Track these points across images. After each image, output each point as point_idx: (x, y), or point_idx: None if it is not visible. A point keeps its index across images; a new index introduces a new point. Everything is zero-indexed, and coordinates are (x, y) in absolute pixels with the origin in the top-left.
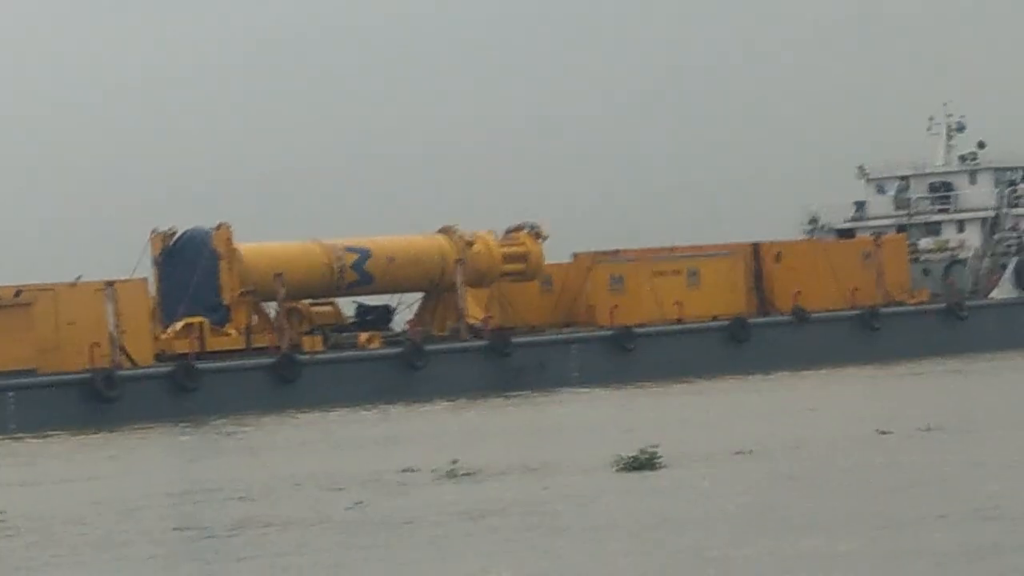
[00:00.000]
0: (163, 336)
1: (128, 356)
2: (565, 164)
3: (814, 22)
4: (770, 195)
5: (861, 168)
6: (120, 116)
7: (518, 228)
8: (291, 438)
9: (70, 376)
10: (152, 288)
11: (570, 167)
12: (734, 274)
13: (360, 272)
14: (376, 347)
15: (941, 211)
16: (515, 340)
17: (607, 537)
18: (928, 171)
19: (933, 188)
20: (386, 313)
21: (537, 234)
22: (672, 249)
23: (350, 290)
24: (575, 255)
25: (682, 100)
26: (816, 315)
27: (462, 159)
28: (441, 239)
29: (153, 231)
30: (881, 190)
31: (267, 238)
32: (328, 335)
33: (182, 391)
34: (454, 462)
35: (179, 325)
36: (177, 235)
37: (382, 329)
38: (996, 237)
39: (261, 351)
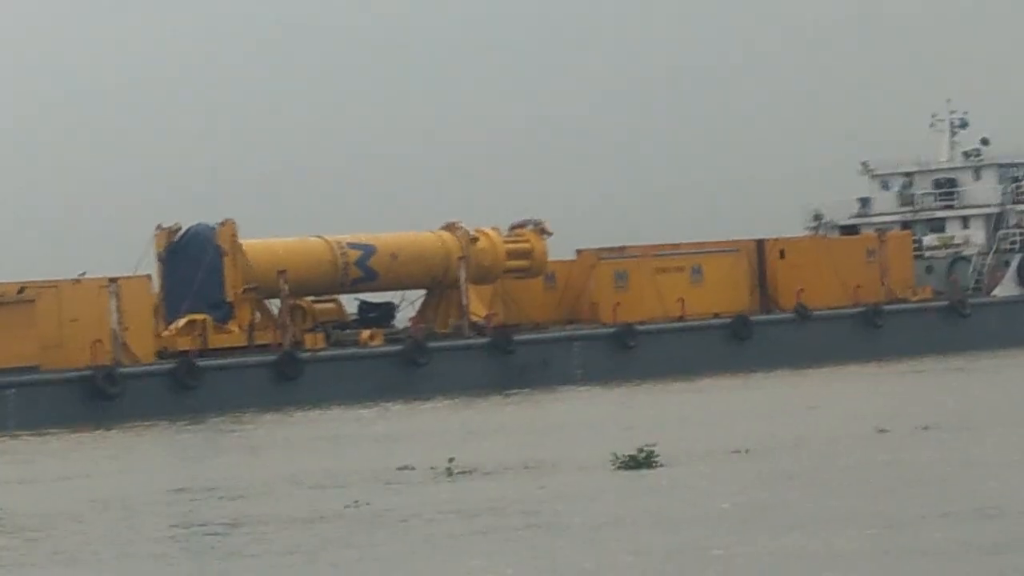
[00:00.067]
0: (165, 333)
1: (130, 353)
2: (565, 164)
3: (814, 22)
4: (770, 194)
5: (865, 164)
6: (120, 116)
7: (522, 224)
8: (291, 436)
9: (71, 373)
10: (155, 285)
11: (570, 167)
12: (737, 271)
13: (364, 269)
14: (378, 344)
15: (945, 207)
16: (517, 337)
17: (604, 536)
18: (932, 167)
19: (937, 184)
20: (389, 310)
21: (541, 230)
22: (676, 246)
23: (354, 287)
24: (579, 252)
25: (682, 100)
26: (818, 313)
27: (462, 159)
28: (445, 235)
29: (157, 227)
30: (885, 186)
31: (267, 237)
32: (330, 332)
33: (183, 388)
34: (451, 460)
35: (181, 322)
36: (181, 231)
37: (385, 326)
38: (1000, 234)
39: (263, 348)
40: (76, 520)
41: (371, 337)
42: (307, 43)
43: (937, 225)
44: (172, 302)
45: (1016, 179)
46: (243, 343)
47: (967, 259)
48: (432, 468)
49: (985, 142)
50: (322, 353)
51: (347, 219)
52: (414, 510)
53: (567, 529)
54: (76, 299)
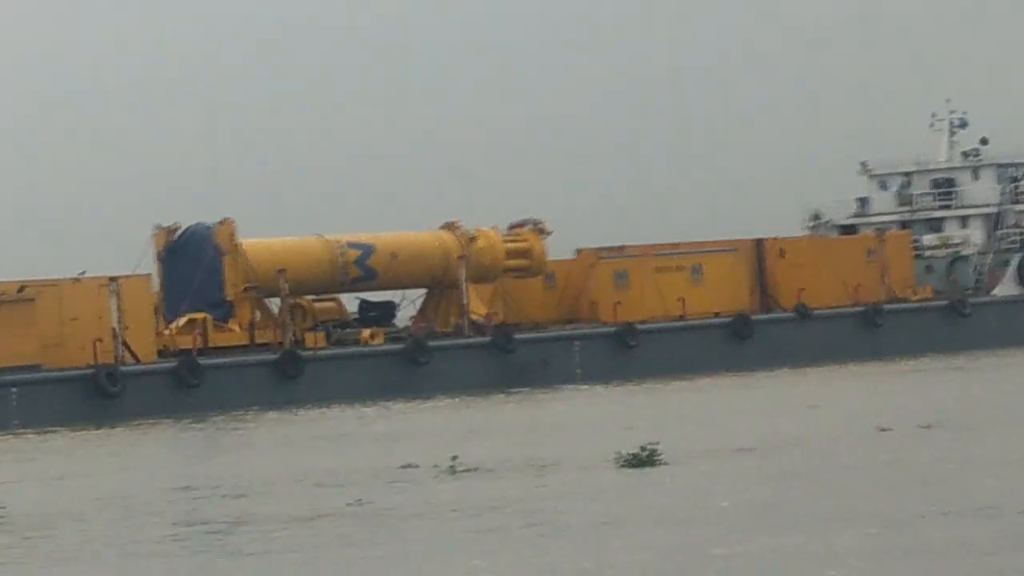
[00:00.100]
0: (166, 332)
1: (131, 352)
2: (565, 164)
3: (814, 22)
4: (770, 194)
5: (864, 164)
6: (120, 116)
7: (521, 224)
8: (292, 434)
9: (72, 372)
10: (155, 284)
11: (570, 167)
12: (737, 270)
13: (363, 268)
14: (379, 343)
15: (944, 207)
16: (518, 336)
17: (606, 534)
18: (931, 167)
19: (936, 184)
20: (390, 309)
21: (540, 230)
22: (676, 245)
23: (353, 286)
24: (578, 251)
25: (682, 100)
26: (818, 312)
27: (462, 159)
28: (444, 235)
29: (156, 227)
30: (884, 186)
31: (269, 235)
32: (331, 331)
33: (184, 387)
34: (454, 458)
35: (182, 321)
36: (180, 231)
37: (385, 325)
38: (999, 233)
39: (264, 347)
40: (77, 519)
41: (372, 336)
42: (307, 43)
43: (935, 225)
44: (172, 301)
45: (1015, 179)
46: (244, 342)
47: (966, 259)
48: (435, 466)
49: (984, 142)
50: (323, 352)
51: (347, 219)
52: (416, 509)
53: (569, 528)
54: (76, 298)
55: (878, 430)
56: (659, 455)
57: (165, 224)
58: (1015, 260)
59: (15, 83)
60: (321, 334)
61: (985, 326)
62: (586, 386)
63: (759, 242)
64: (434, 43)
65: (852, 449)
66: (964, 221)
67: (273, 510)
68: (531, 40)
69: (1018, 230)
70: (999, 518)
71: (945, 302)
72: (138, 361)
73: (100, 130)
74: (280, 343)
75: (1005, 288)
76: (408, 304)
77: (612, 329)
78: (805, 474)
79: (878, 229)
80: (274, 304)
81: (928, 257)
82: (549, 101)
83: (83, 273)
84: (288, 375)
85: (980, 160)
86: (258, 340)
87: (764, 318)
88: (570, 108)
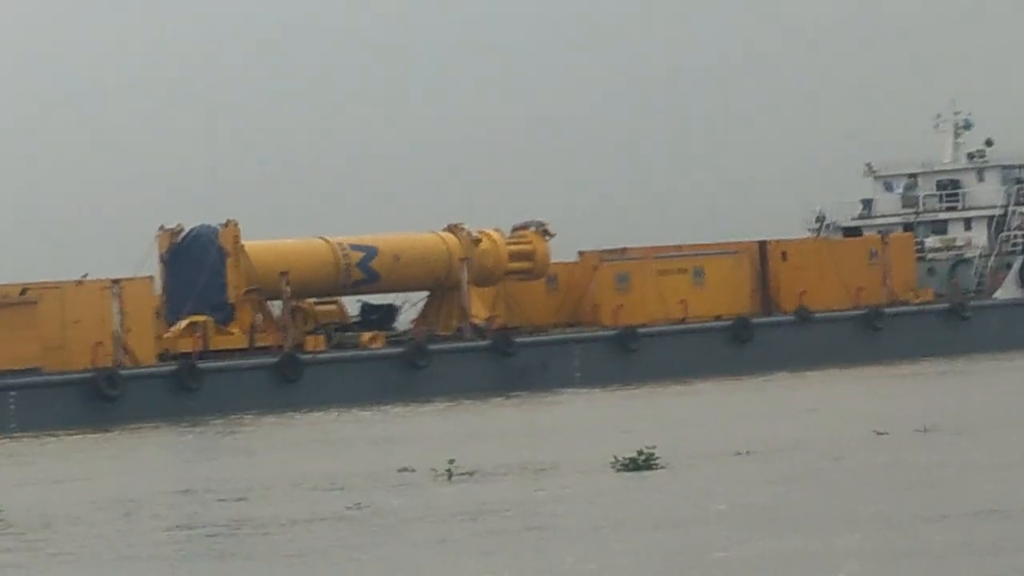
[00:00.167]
0: (166, 335)
1: (131, 355)
2: (565, 164)
3: (814, 22)
4: (770, 194)
5: (869, 166)
6: (120, 116)
7: (524, 226)
8: (292, 438)
9: (72, 375)
10: (157, 286)
11: (570, 167)
12: (739, 273)
13: (366, 270)
14: (379, 347)
15: (948, 209)
16: (518, 340)
17: (604, 538)
18: (936, 169)
19: (941, 186)
20: (391, 312)
21: (544, 232)
22: (678, 248)
23: (356, 288)
24: (581, 254)
25: (682, 100)
26: (819, 315)
27: (462, 159)
28: (448, 237)
29: (160, 228)
30: (889, 188)
31: (268, 238)
32: (331, 334)
33: (184, 390)
34: (451, 462)
35: (183, 324)
36: (184, 233)
37: (386, 328)
38: (1002, 236)
39: (264, 350)
40: (77, 522)
41: (372, 339)
42: (307, 43)
43: (940, 227)
44: (174, 304)
45: (1020, 180)
46: (244, 345)
47: (969, 261)
48: (433, 470)
49: (989, 143)
50: (323, 355)
51: (347, 219)
52: (415, 512)
53: (567, 531)
54: (78, 301)
55: (877, 433)
56: (656, 459)
57: (169, 226)
58: (1017, 263)
59: (15, 83)
60: (321, 337)
61: (986, 329)
62: (585, 390)
63: (761, 244)
64: (434, 43)
65: (852, 452)
66: (969, 223)
67: (272, 513)
68: (531, 40)
69: (1021, 232)
70: (998, 520)
71: (946, 305)
72: (138, 364)
73: (100, 130)
74: (280, 346)
75: (1007, 291)
76: (410, 307)
77: (612, 332)
78: (804, 477)
79: (882, 231)
80: (276, 307)
81: (931, 260)
82: (549, 101)
83: (86, 276)
84: (287, 379)
85: (985, 162)
86: (258, 343)
87: (765, 321)
88: (570, 108)
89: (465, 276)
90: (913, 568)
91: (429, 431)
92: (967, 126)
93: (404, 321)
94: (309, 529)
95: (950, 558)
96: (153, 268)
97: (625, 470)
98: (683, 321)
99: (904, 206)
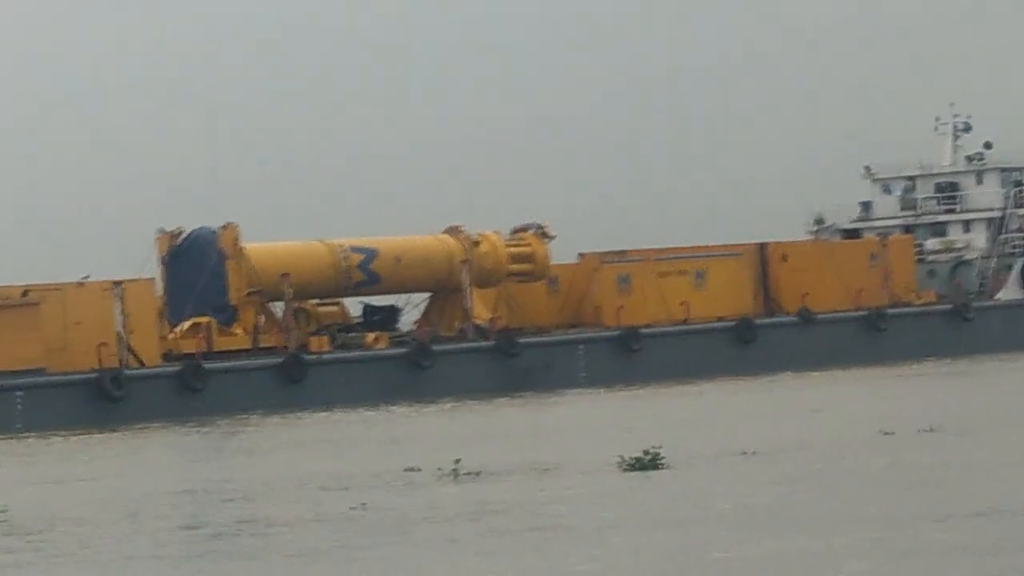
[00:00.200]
0: (170, 336)
1: (135, 356)
2: (565, 164)
3: (814, 22)
4: (771, 195)
5: (868, 168)
6: (120, 116)
7: (524, 228)
8: (296, 438)
9: (77, 376)
10: (159, 288)
11: (570, 167)
12: (741, 275)
13: (367, 272)
14: (383, 347)
15: (947, 211)
16: (521, 341)
17: (609, 537)
18: (935, 171)
19: (939, 188)
20: (393, 313)
21: (544, 234)
22: (679, 249)
23: (357, 290)
24: (581, 255)
25: (682, 100)
26: (821, 316)
27: (462, 159)
28: (448, 239)
29: (160, 230)
30: (887, 190)
31: (267, 238)
32: (335, 335)
33: (189, 391)
34: (457, 462)
35: (186, 325)
36: (184, 235)
37: (389, 329)
38: (1002, 238)
39: (268, 351)
40: (81, 522)
41: (376, 340)
42: (307, 43)
43: (939, 229)
44: (176, 305)
45: (1018, 183)
46: (248, 346)
47: (969, 263)
48: (438, 470)
49: (988, 146)
50: (327, 356)
51: (347, 220)
52: (420, 512)
53: (571, 531)
54: (80, 302)
55: (880, 434)
56: (662, 459)
57: (169, 228)
58: (1018, 264)
59: (15, 83)
60: (325, 338)
61: (988, 330)
62: (589, 390)
63: (762, 246)
64: (434, 43)
65: (854, 453)
66: (968, 225)
67: (276, 513)
68: (531, 40)
69: (1022, 234)
70: (1000, 520)
71: (948, 306)
72: (142, 365)
73: (100, 130)
74: (284, 347)
75: (1008, 292)
76: (412, 308)
77: (615, 333)
78: (807, 478)
79: (881, 233)
80: (278, 308)
81: (931, 262)
82: (549, 101)
83: (87, 277)
84: (292, 379)
85: (984, 164)
86: (262, 344)
87: (767, 322)
88: (570, 108)
89: (466, 278)
90: (915, 568)
91: (433, 431)
92: (966, 128)
93: (406, 322)
94: (313, 529)
95: (952, 558)
96: (153, 270)
97: (631, 470)
98: (685, 322)
99: (903, 208)
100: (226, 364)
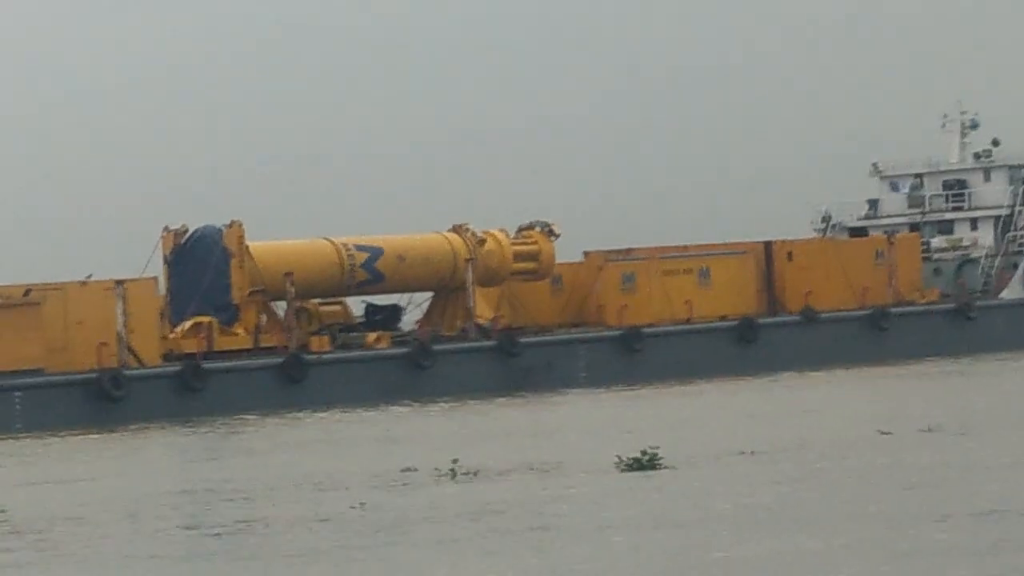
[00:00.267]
0: (171, 336)
1: (135, 356)
2: (565, 164)
3: (814, 22)
4: (771, 194)
5: (875, 165)
6: (120, 116)
7: (530, 226)
8: (296, 438)
9: (76, 376)
10: (161, 287)
11: (570, 167)
12: (745, 274)
13: (370, 271)
14: (384, 347)
15: (955, 209)
16: (523, 340)
17: (607, 537)
18: (942, 169)
19: (947, 186)
20: (395, 312)
21: (549, 232)
22: (683, 248)
23: (360, 289)
24: (586, 254)
25: (682, 100)
26: (825, 315)
27: (462, 159)
28: (452, 237)
29: (165, 229)
30: (895, 188)
31: (269, 238)
32: (336, 335)
33: (189, 391)
34: (455, 462)
35: (187, 324)
36: (189, 233)
37: (391, 329)
38: (1009, 236)
39: (269, 351)
40: (81, 522)
41: (377, 339)
42: (307, 43)
43: (946, 227)
44: (178, 304)
45: None
46: (249, 345)
47: (975, 261)
48: (436, 470)
49: (996, 143)
50: (328, 355)
51: (347, 219)
52: (419, 512)
53: (571, 531)
54: (82, 301)
55: (881, 433)
56: (660, 459)
57: (173, 226)
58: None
59: (15, 83)
60: (326, 338)
61: (992, 329)
62: (591, 390)
63: (767, 245)
64: (434, 43)
65: (855, 452)
66: (974, 223)
67: (276, 513)
68: (531, 40)
69: None
70: (1000, 520)
71: (952, 305)
72: (142, 365)
73: (100, 130)
74: (285, 347)
75: (1013, 291)
76: (414, 308)
77: (617, 333)
78: (808, 478)
79: (888, 231)
80: (280, 307)
81: (937, 260)
82: (549, 101)
83: (90, 276)
84: (292, 379)
85: (992, 161)
86: (263, 344)
87: (771, 321)
88: (570, 108)
89: (470, 277)
90: (914, 568)
91: (433, 431)
92: (974, 125)
93: (408, 322)
94: (313, 529)
95: (952, 558)
96: (157, 269)
97: (629, 470)
98: (688, 321)
99: (910, 206)
100: (226, 364)
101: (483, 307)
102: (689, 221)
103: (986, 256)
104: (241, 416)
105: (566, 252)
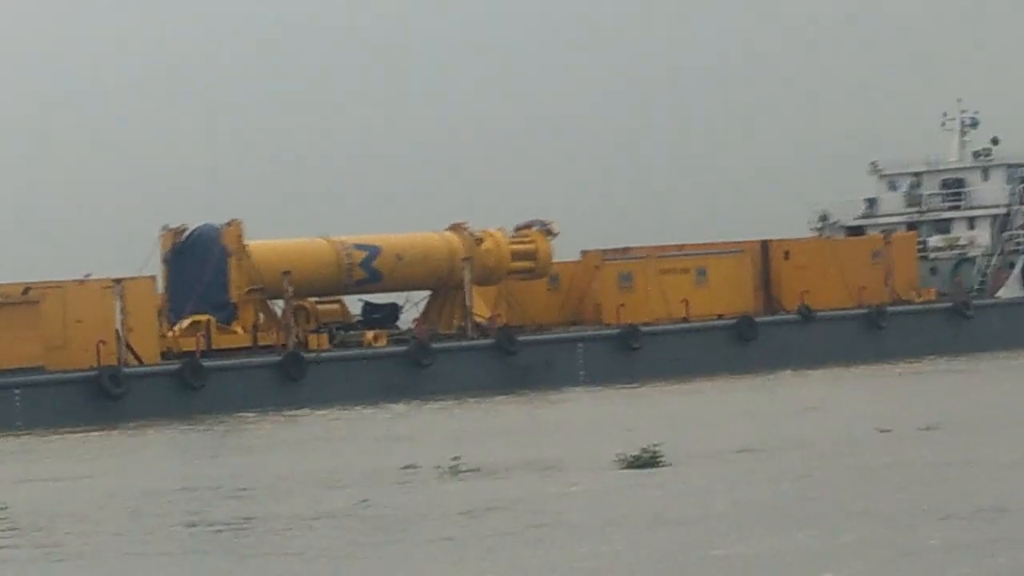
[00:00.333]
0: (170, 334)
1: (134, 354)
2: (565, 164)
3: (814, 22)
4: (771, 194)
5: (874, 164)
6: (120, 116)
7: (528, 225)
8: (296, 436)
9: (76, 374)
10: (160, 285)
11: (570, 167)
12: (742, 272)
13: (368, 270)
14: (382, 345)
15: (952, 208)
16: (521, 338)
17: (608, 534)
18: (941, 167)
19: (945, 185)
20: (393, 311)
21: (547, 231)
22: (681, 247)
23: (358, 288)
24: (583, 253)
25: (682, 100)
26: (822, 314)
27: (462, 159)
28: (450, 236)
29: (163, 227)
30: (893, 187)
31: (268, 238)
32: (334, 333)
33: (188, 389)
34: (456, 459)
35: (186, 323)
36: (187, 232)
37: (389, 327)
38: (1005, 235)
39: (267, 349)
40: (80, 519)
41: (375, 338)
42: (307, 43)
43: (943, 226)
44: (176, 303)
45: None
46: (247, 344)
47: (972, 260)
48: (437, 467)
49: (995, 142)
50: (326, 354)
51: (347, 219)
52: (419, 510)
53: (571, 528)
54: (81, 300)
55: (879, 431)
56: (661, 457)
57: (173, 225)
58: (1020, 262)
59: (15, 83)
60: (324, 336)
61: (988, 328)
62: (589, 388)
63: (764, 244)
64: (434, 43)
65: (853, 451)
66: (972, 222)
67: (276, 511)
68: (531, 40)
69: None
70: (1000, 519)
71: (948, 304)
72: (141, 363)
73: (100, 130)
74: (283, 345)
75: (1009, 290)
76: (412, 306)
77: (615, 331)
78: (806, 475)
79: (885, 230)
80: (278, 306)
81: (934, 259)
82: (549, 101)
83: (88, 275)
84: (291, 377)
85: (991, 160)
86: (261, 342)
87: (768, 320)
88: (570, 108)
89: (468, 276)
90: (914, 567)
91: (433, 429)
92: (973, 124)
93: (406, 320)
94: (313, 527)
95: (952, 557)
96: (155, 268)
97: (629, 467)
98: (686, 320)
99: (908, 205)
100: (225, 362)
101: (480, 306)
102: (689, 221)
103: (983, 255)
104: (241, 414)
105: (566, 251)
